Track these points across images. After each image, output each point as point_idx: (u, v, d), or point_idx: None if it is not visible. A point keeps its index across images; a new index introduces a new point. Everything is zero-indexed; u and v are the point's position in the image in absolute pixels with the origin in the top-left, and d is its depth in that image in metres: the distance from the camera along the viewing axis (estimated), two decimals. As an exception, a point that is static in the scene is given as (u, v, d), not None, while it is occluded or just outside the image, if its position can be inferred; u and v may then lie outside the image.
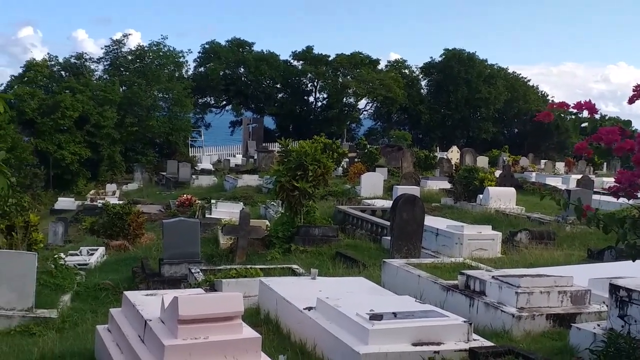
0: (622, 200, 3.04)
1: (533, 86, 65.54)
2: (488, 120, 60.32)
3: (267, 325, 7.12)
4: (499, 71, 62.56)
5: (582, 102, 2.74)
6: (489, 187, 19.72)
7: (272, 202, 19.38)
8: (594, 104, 2.77)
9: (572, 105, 2.79)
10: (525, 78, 65.55)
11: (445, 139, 58.49)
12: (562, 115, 2.73)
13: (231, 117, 59.91)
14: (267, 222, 16.15)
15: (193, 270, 10.33)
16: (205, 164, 41.15)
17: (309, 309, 6.59)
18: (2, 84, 44.91)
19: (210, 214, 20.19)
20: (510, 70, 64.60)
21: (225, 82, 56.09)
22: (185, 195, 24.27)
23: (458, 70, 58.78)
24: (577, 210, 2.87)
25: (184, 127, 47.54)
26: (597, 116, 2.59)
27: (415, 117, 60.38)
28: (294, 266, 10.44)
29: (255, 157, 38.18)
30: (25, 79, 42.96)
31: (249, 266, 10.00)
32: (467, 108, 60.32)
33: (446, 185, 24.54)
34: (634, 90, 2.71)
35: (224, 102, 59.28)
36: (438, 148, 50.49)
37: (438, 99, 60.26)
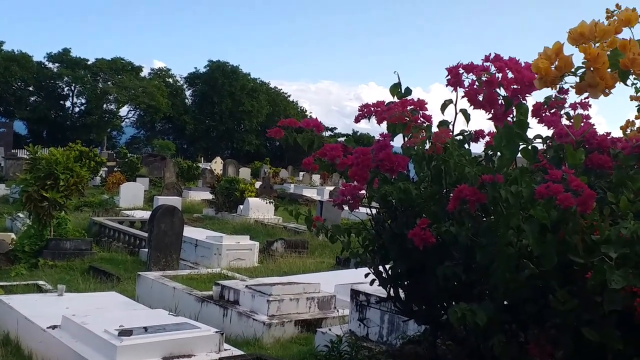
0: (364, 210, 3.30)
1: (293, 101, 68.64)
2: (251, 133, 61.80)
3: (6, 347, 6.65)
4: (261, 85, 64.49)
5: (309, 119, 2.96)
6: (249, 198, 20.19)
7: (20, 214, 17.95)
8: (320, 122, 3.01)
9: (301, 122, 3.00)
10: (285, 93, 68.47)
11: (210, 150, 58.78)
12: (293, 132, 2.92)
13: (-25, 120, 54.50)
14: (13, 236, 14.96)
15: None
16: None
17: (54, 327, 6.20)
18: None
19: (-55, 227, 18.10)
20: (272, 85, 67.06)
21: (-31, 82, 51.00)
22: None
23: (222, 82, 59.51)
24: (306, 220, 3.08)
25: None
26: (326, 133, 2.80)
27: (180, 127, 59.94)
28: (41, 282, 9.82)
29: (3, 165, 35.28)
30: None
31: (-13, 284, 9.16)
32: (232, 120, 61.22)
33: (209, 196, 24.61)
34: (359, 110, 2.98)
35: (-33, 104, 53.81)
36: (203, 159, 50.56)
37: (203, 109, 60.42)
